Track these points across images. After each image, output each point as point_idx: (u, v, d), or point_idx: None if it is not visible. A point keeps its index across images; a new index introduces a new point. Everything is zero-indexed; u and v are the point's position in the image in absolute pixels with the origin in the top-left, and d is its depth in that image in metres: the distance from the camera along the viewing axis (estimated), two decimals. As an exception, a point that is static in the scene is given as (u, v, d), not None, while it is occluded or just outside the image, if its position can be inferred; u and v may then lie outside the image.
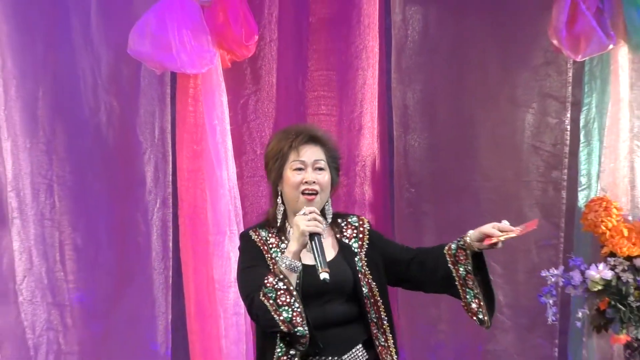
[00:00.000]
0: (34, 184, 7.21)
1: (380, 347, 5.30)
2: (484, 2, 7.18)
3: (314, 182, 5.17)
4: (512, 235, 5.15)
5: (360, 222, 5.41)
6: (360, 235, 5.34)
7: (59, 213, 7.27)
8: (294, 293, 4.98)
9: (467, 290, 5.24)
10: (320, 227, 5.07)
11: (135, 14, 6.87)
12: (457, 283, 5.18)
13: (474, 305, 5.22)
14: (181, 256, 7.01)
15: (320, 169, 5.22)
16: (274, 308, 4.98)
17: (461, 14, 7.22)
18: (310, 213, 5.06)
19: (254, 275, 5.16)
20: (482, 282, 5.25)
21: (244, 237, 5.35)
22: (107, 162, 7.23)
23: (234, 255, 6.87)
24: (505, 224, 5.12)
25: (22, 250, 7.14)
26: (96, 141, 7.20)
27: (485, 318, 5.22)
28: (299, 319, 4.97)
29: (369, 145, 7.18)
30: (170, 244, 7.14)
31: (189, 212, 6.95)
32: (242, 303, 6.39)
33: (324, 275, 4.94)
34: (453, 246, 5.18)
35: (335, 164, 5.31)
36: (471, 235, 5.13)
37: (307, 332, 5.05)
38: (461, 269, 5.18)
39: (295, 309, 4.98)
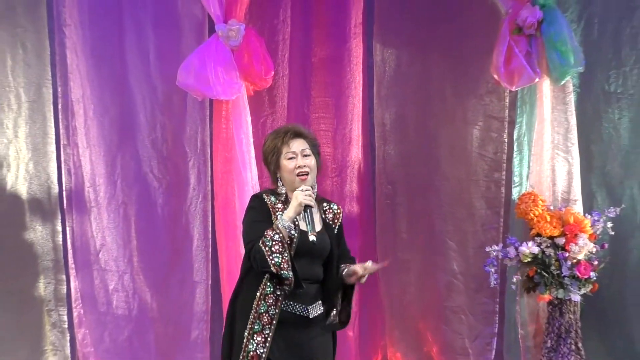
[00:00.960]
0: (106, 182, 7.86)
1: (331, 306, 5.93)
2: (443, 47, 7.71)
3: (304, 166, 5.80)
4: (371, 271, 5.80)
5: (338, 211, 6.01)
6: (335, 220, 5.97)
7: (125, 204, 7.92)
8: (285, 245, 5.58)
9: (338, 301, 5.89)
10: (313, 202, 5.70)
11: (183, 55, 7.50)
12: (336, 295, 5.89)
13: (334, 312, 5.88)
14: (217, 237, 7.60)
15: (307, 155, 5.83)
16: (268, 253, 5.60)
17: (426, 55, 7.76)
18: (306, 190, 5.68)
19: (258, 227, 5.72)
20: (346, 302, 5.91)
21: (258, 198, 5.91)
22: (162, 167, 7.86)
23: None
24: (369, 264, 5.77)
25: (97, 231, 7.81)
26: (154, 151, 7.83)
27: (335, 321, 5.89)
28: (285, 265, 5.60)
29: (356, 153, 7.76)
30: (210, 228, 7.76)
31: (222, 204, 7.52)
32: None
33: (312, 237, 5.66)
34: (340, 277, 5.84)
35: (316, 150, 5.92)
36: (345, 271, 5.81)
37: (290, 275, 5.61)
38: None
39: (284, 257, 5.62)
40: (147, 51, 7.80)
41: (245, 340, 5.78)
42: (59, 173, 7.89)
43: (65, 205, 7.90)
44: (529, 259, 7.29)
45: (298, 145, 5.88)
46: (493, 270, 7.34)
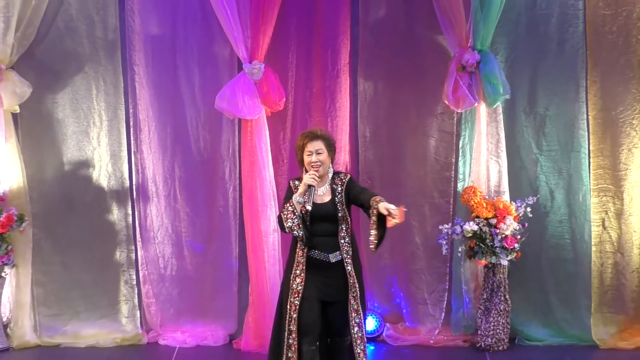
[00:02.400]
0: (163, 179, 8.22)
1: (345, 255, 6.35)
2: (408, 80, 8.01)
3: (317, 161, 6.33)
4: (396, 221, 6.06)
5: (344, 176, 6.46)
6: (341, 183, 6.42)
7: (178, 195, 8.24)
8: (296, 213, 6.25)
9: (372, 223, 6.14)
10: (315, 182, 6.27)
11: (219, 87, 7.88)
12: (371, 216, 6.16)
13: (372, 232, 6.14)
14: (244, 217, 8.05)
15: (320, 153, 6.35)
16: (285, 219, 6.30)
17: (395, 86, 8.05)
18: (312, 174, 6.27)
19: (284, 204, 6.35)
20: (381, 227, 6.17)
21: (289, 184, 6.46)
22: (204, 168, 8.19)
23: (273, 217, 7.83)
24: (392, 207, 6.06)
25: (157, 215, 8.24)
26: (198, 156, 8.18)
27: (373, 243, 6.10)
28: (296, 227, 6.29)
29: (344, 157, 8.09)
30: (238, 211, 8.17)
31: (248, 195, 7.96)
32: (276, 243, 7.76)
33: (308, 207, 6.30)
34: (373, 204, 6.10)
35: (331, 146, 6.42)
36: (379, 206, 6.08)
37: (300, 234, 6.26)
38: (372, 215, 6.14)
39: (295, 222, 6.29)
40: (193, 83, 8.12)
41: (290, 282, 6.36)
42: (130, 172, 8.23)
43: (134, 195, 8.24)
44: (470, 235, 7.75)
45: (314, 145, 6.37)
46: (444, 242, 7.83)
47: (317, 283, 6.32)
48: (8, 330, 8.04)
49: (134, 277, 8.24)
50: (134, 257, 8.23)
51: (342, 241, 6.39)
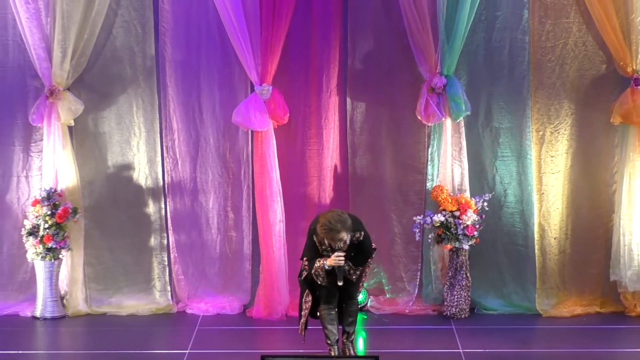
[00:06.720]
0: (190, 179, 8.41)
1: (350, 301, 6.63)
2: (388, 99, 8.28)
3: (342, 250, 6.39)
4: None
5: (357, 236, 6.48)
6: (353, 247, 6.52)
7: (202, 192, 8.36)
8: (322, 279, 6.39)
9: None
10: (342, 264, 6.34)
11: (235, 104, 8.22)
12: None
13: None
14: (255, 210, 8.28)
15: (342, 240, 6.35)
16: (315, 280, 6.46)
17: (378, 105, 8.33)
18: (339, 258, 6.33)
19: (311, 264, 6.42)
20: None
21: (312, 237, 6.45)
22: (224, 170, 8.41)
23: (279, 210, 8.13)
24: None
25: (184, 208, 8.39)
26: (219, 160, 8.41)
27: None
28: (320, 279, 6.37)
29: (335, 163, 8.40)
30: (251, 205, 8.37)
31: (258, 192, 8.23)
32: (282, 231, 8.20)
33: (340, 283, 6.46)
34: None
35: (349, 228, 6.32)
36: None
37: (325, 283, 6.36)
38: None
39: (323, 281, 6.36)
40: (214, 102, 8.37)
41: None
42: (163, 173, 8.44)
43: (166, 192, 8.45)
44: (438, 224, 8.06)
45: (336, 237, 6.35)
46: (417, 231, 8.12)
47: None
48: (64, 301, 8.39)
49: (166, 259, 8.43)
50: (165, 243, 8.44)
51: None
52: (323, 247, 6.38)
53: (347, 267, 6.37)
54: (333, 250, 6.30)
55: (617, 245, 8.18)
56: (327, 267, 6.31)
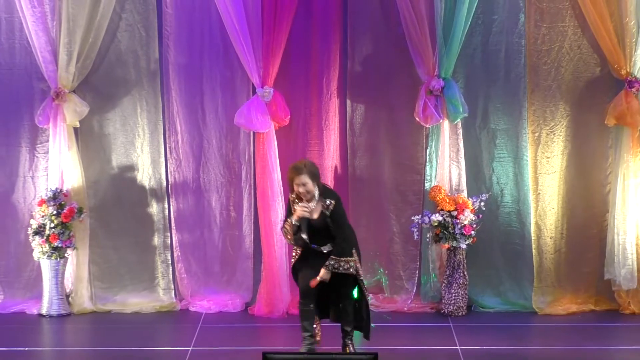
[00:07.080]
0: (193, 179, 8.45)
1: (332, 255, 6.52)
2: (387, 101, 8.32)
3: (304, 192, 6.44)
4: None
5: (330, 203, 6.47)
6: (327, 210, 6.50)
7: (204, 192, 8.46)
8: (290, 229, 6.43)
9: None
10: (308, 215, 6.36)
11: (237, 106, 8.26)
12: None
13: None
14: (257, 209, 8.32)
15: (305, 184, 6.45)
16: (285, 236, 6.56)
17: (377, 107, 8.37)
18: (303, 208, 6.35)
19: (285, 220, 6.53)
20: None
21: (289, 201, 6.50)
22: (226, 170, 8.44)
23: (280, 209, 8.16)
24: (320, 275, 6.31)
25: (187, 208, 8.45)
26: (221, 160, 8.44)
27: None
28: (294, 243, 6.54)
29: (335, 164, 8.45)
30: (253, 204, 8.40)
31: (260, 192, 8.28)
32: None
33: (304, 236, 6.44)
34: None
35: (315, 176, 6.48)
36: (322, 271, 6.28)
37: (292, 243, 6.50)
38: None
39: (291, 241, 6.48)
40: (217, 104, 8.42)
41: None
42: (166, 173, 8.47)
43: (169, 192, 8.49)
44: (436, 224, 8.09)
45: (300, 179, 6.45)
46: (416, 230, 8.14)
47: (309, 264, 6.56)
48: (70, 299, 8.41)
49: (169, 257, 8.48)
50: (169, 242, 8.50)
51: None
52: (296, 204, 6.43)
53: (332, 262, 6.39)
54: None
55: (612, 245, 8.22)
56: (294, 222, 6.33)
